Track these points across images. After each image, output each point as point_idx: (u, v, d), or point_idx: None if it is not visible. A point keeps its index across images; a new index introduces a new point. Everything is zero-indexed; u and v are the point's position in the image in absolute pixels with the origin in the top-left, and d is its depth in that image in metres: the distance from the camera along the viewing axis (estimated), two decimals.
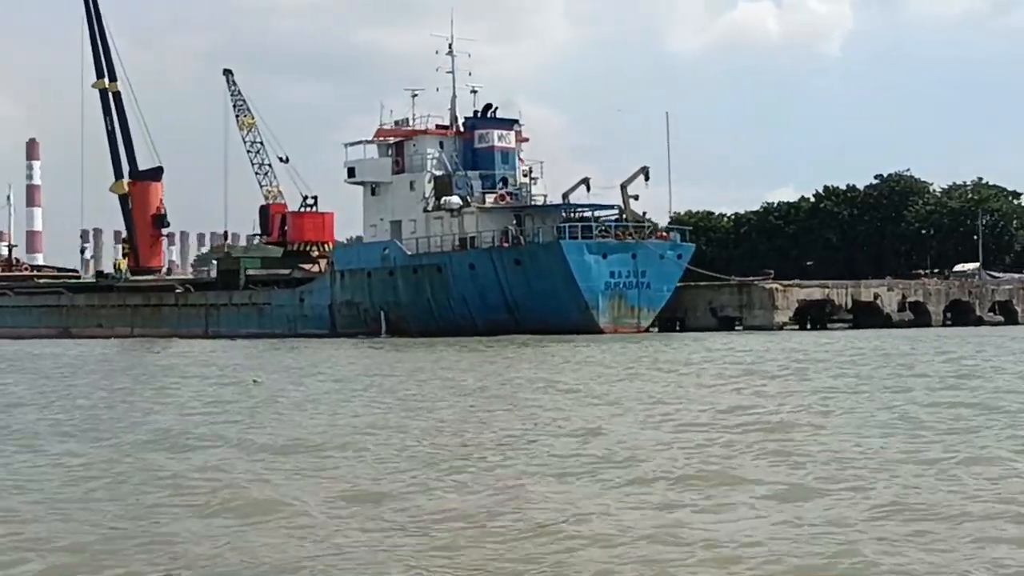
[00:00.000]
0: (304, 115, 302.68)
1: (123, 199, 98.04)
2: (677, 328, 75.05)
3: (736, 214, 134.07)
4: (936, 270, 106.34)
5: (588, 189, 76.19)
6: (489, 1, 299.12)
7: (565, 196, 76.30)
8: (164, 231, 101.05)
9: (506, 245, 71.22)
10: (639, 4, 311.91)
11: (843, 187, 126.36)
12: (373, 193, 79.82)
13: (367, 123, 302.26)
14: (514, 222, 73.13)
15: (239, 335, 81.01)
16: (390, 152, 79.76)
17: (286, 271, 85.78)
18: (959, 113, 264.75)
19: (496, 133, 77.34)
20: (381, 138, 79.82)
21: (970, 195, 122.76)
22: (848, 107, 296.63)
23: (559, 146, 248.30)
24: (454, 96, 79.13)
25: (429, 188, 76.46)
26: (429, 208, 75.86)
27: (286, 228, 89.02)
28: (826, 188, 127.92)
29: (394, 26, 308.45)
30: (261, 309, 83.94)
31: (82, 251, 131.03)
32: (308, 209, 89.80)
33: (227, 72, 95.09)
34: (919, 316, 75.53)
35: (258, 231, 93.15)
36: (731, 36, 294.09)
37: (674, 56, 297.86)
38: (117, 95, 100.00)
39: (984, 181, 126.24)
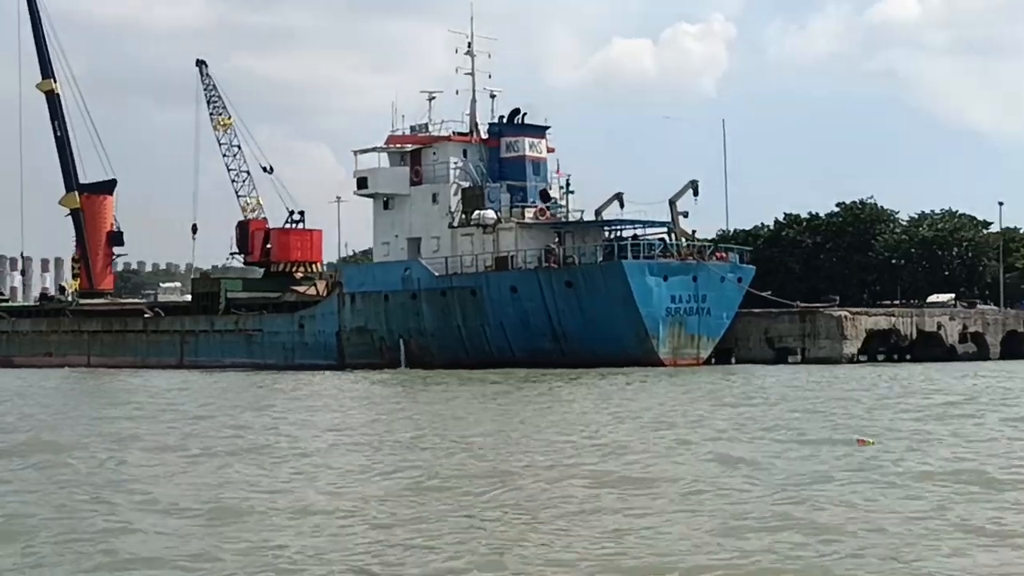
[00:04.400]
0: (170, 138, 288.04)
1: (75, 213, 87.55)
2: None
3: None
4: (903, 300, 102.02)
5: (621, 205, 69.13)
6: (367, 32, 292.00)
7: (598, 213, 69.01)
8: (117, 251, 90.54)
9: (554, 265, 63.25)
10: (517, 39, 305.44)
11: (805, 215, 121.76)
12: (386, 207, 70.70)
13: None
14: (556, 240, 65.29)
15: (222, 365, 71.94)
16: (404, 161, 70.89)
17: (274, 294, 76.15)
18: (834, 147, 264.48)
19: (527, 141, 68.88)
20: (395, 145, 70.65)
21: (940, 224, 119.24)
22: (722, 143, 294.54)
23: None
24: (474, 100, 70.57)
25: (456, 201, 67.75)
26: (456, 223, 67.34)
27: (269, 246, 79.43)
28: (787, 216, 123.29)
29: (267, 53, 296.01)
30: (250, 336, 74.24)
31: (22, 273, 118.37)
32: (294, 225, 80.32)
33: (200, 63, 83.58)
34: (979, 348, 69.87)
35: (235, 249, 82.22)
36: (607, 71, 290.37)
37: (553, 90, 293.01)
38: (58, 98, 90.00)
39: (955, 211, 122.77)
